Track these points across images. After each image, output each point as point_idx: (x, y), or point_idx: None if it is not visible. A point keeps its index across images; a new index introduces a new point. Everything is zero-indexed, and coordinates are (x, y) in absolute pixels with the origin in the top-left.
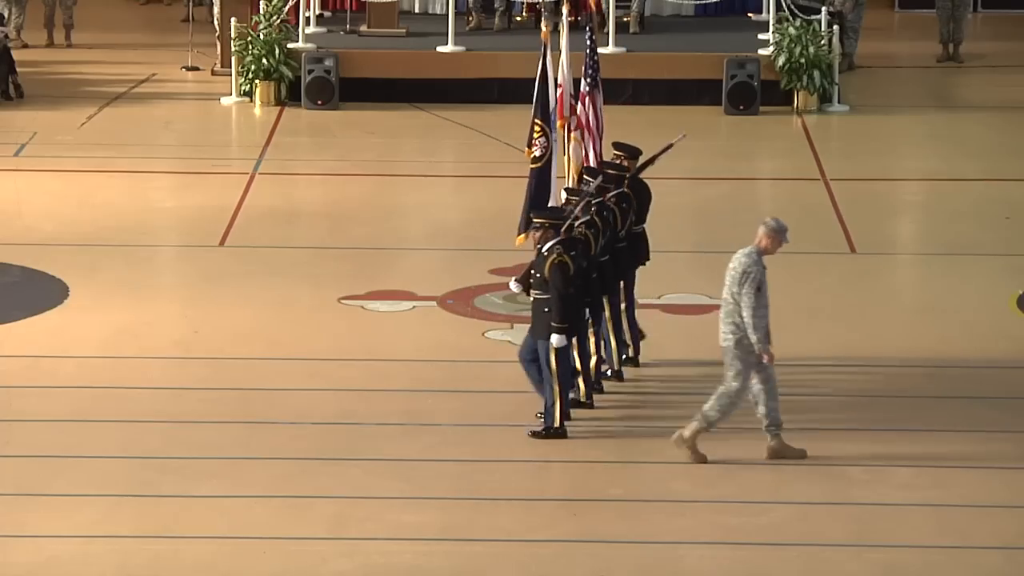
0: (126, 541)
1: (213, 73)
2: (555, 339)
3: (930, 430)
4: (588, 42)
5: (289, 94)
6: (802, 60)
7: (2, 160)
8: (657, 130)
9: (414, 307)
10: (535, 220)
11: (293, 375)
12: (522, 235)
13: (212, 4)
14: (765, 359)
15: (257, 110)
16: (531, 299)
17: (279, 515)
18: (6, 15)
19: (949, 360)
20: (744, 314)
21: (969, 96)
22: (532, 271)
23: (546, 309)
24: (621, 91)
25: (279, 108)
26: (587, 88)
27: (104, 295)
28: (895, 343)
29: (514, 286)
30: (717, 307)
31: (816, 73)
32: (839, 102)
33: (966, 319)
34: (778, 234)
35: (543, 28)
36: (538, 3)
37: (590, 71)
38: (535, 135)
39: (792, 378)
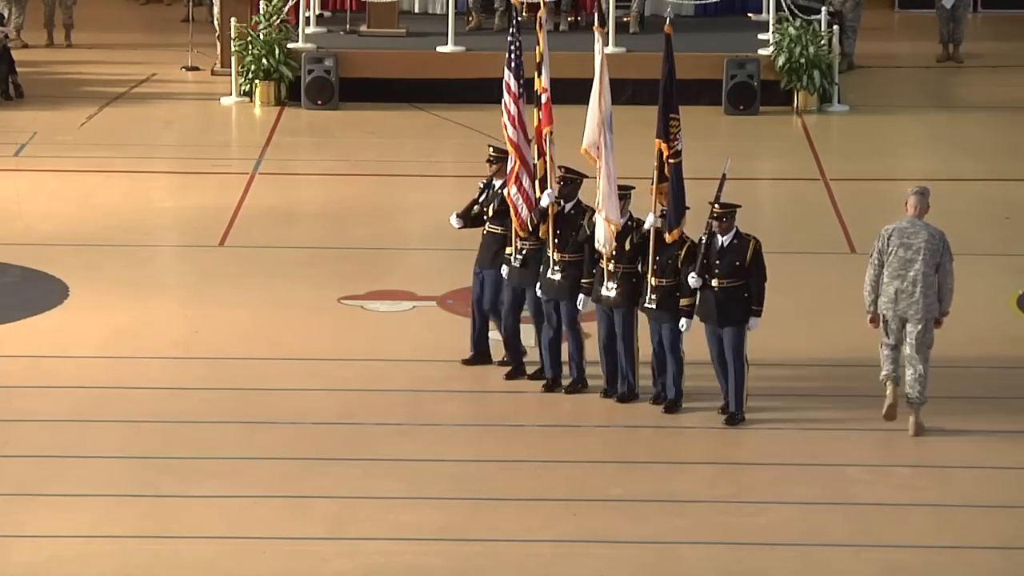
0: (126, 541)
1: (213, 73)
2: (755, 323)
3: (930, 430)
4: (511, 38)
5: (289, 94)
6: (802, 60)
7: (2, 160)
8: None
9: (414, 307)
10: (719, 212)
11: (293, 375)
12: (675, 231)
13: (212, 4)
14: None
15: (257, 110)
16: (716, 288)
17: (279, 515)
18: (6, 15)
19: (949, 360)
20: (953, 283)
21: (969, 96)
22: (717, 260)
23: (745, 295)
24: (621, 91)
25: (279, 108)
26: (517, 87)
27: (104, 295)
28: None
29: (693, 281)
30: None
31: (816, 73)
32: (839, 102)
33: (966, 319)
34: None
35: (667, 23)
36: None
37: (515, 68)
38: (672, 129)
39: (792, 378)
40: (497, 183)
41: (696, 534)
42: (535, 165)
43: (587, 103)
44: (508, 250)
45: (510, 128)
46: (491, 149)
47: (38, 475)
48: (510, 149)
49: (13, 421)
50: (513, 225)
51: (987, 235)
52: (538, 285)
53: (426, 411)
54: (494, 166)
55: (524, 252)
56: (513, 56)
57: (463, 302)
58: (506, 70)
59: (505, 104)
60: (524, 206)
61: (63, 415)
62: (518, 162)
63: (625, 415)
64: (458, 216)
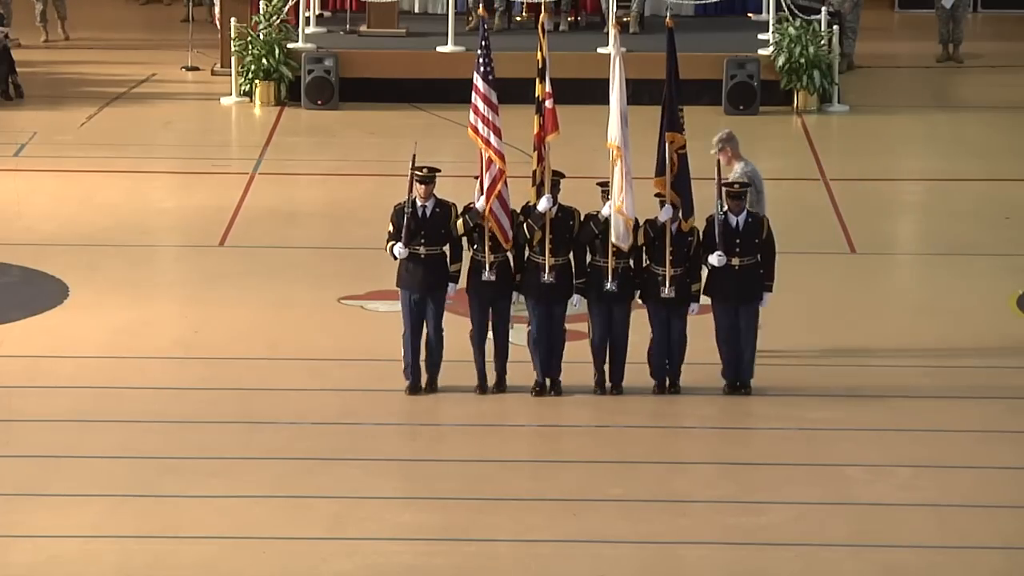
0: (126, 541)
1: (213, 73)
2: (767, 298)
3: (930, 430)
4: (483, 40)
5: (289, 94)
6: (802, 60)
7: (2, 160)
8: (657, 130)
9: None
10: (738, 189)
11: (293, 375)
12: (690, 219)
13: (212, 4)
14: None
15: (257, 110)
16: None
17: (279, 515)
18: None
19: (949, 360)
20: None
21: (969, 96)
22: (737, 240)
23: (762, 271)
24: None
25: (279, 108)
26: (485, 87)
27: (104, 295)
28: (895, 343)
29: (717, 260)
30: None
31: (816, 73)
32: (839, 102)
33: (966, 319)
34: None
35: (667, 17)
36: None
37: (488, 70)
38: (681, 120)
39: (792, 378)
40: (428, 204)
41: (696, 534)
42: (533, 172)
43: (587, 103)
44: (454, 266)
45: (494, 138)
46: (424, 169)
47: (38, 475)
48: (495, 159)
49: (13, 421)
50: (485, 240)
51: (987, 235)
52: (519, 292)
53: (426, 411)
54: (427, 187)
55: (496, 266)
56: (487, 68)
57: (463, 302)
58: (481, 81)
59: (485, 117)
60: (506, 221)
61: (63, 415)
62: (500, 175)
63: (624, 415)
64: (404, 246)
